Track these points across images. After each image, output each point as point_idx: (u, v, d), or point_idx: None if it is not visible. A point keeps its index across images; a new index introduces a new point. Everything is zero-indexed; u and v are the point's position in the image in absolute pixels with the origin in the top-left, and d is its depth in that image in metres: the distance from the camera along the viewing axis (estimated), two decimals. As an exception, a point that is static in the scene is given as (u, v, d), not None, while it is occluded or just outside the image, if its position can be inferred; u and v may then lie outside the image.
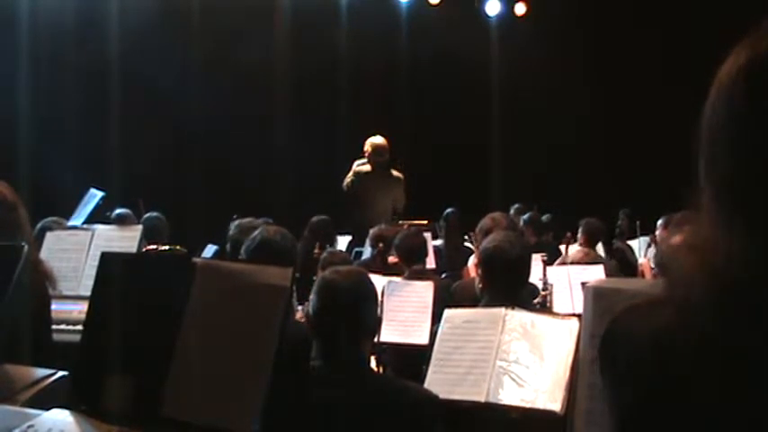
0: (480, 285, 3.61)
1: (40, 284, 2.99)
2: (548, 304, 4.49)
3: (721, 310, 0.87)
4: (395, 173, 7.81)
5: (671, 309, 0.92)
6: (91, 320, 2.02)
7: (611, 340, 0.99)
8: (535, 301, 4.29)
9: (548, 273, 4.64)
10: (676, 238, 0.97)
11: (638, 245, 7.93)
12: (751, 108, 0.89)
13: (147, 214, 6.39)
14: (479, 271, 3.64)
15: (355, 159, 7.89)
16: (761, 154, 0.87)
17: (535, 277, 4.25)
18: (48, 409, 1.84)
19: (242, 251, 3.54)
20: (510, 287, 3.49)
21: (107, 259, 2.06)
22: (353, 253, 6.65)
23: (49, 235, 4.51)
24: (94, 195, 5.73)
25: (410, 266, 5.16)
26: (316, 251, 5.02)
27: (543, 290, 4.54)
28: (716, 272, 0.88)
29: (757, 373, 0.84)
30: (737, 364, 0.85)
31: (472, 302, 3.65)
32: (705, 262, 0.90)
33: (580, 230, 7.02)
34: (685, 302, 0.90)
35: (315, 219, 6.70)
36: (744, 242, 0.87)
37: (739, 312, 0.86)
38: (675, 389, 0.89)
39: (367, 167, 7.76)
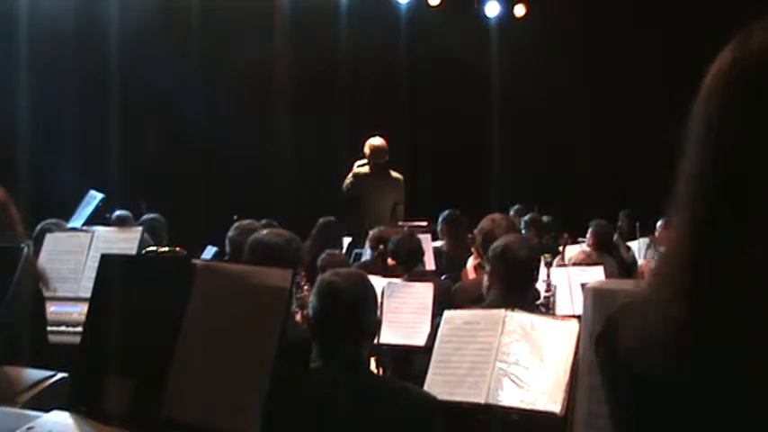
0: (488, 284, 3.61)
1: (34, 285, 2.99)
2: (551, 306, 4.49)
3: (706, 309, 0.88)
4: (394, 174, 7.79)
5: (660, 306, 0.92)
6: (91, 322, 2.02)
7: (609, 338, 0.99)
8: (538, 302, 4.28)
9: (550, 274, 4.64)
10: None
11: (637, 246, 7.92)
12: (730, 108, 0.91)
13: (145, 216, 6.38)
14: (488, 269, 3.64)
15: (356, 160, 7.87)
16: (736, 152, 0.90)
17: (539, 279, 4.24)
18: (48, 411, 1.84)
19: (245, 252, 3.56)
20: (518, 287, 3.51)
21: (107, 261, 2.06)
22: (353, 254, 6.64)
23: (48, 236, 4.51)
24: (94, 197, 5.73)
25: (407, 269, 5.14)
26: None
27: (546, 291, 4.53)
28: (694, 270, 0.90)
29: (750, 372, 0.85)
30: (728, 364, 0.86)
31: (473, 304, 3.65)
32: (683, 260, 0.92)
33: (589, 232, 6.94)
34: (670, 302, 0.91)
35: (322, 220, 6.66)
36: (720, 237, 0.89)
37: (726, 310, 0.86)
38: (671, 388, 0.89)
39: (365, 169, 7.75)
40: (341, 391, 2.54)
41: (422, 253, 5.46)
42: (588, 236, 6.95)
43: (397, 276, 5.00)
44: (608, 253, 6.83)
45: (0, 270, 2.16)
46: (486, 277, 3.66)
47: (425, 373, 3.19)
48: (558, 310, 4.44)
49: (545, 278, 4.55)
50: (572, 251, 6.20)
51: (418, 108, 10.97)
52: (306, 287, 3.89)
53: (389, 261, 5.52)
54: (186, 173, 9.18)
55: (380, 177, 7.69)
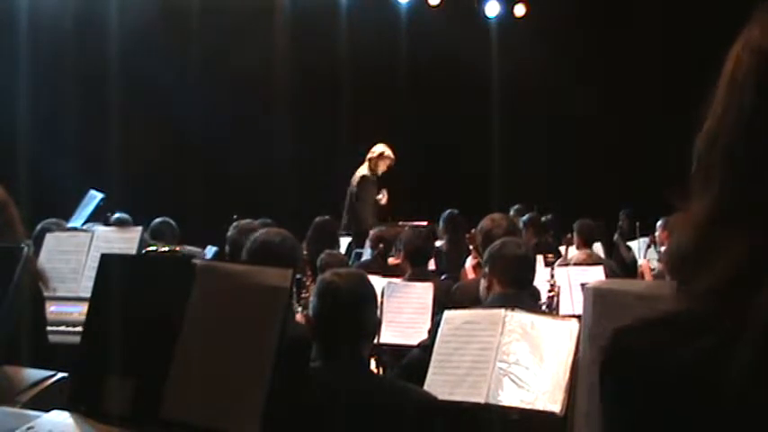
0: (486, 285, 3.60)
1: (33, 284, 2.98)
2: (554, 306, 4.48)
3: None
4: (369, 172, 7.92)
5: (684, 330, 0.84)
6: (91, 322, 2.01)
7: (623, 362, 0.90)
8: (541, 303, 4.27)
9: (554, 274, 4.63)
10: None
11: (637, 245, 7.93)
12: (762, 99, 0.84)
13: (157, 219, 6.31)
14: (485, 270, 3.63)
15: (356, 160, 7.89)
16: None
17: (541, 279, 4.24)
18: (47, 411, 1.84)
19: (243, 252, 3.54)
20: (517, 282, 3.52)
21: (107, 261, 2.06)
22: (354, 254, 6.64)
23: (48, 236, 4.51)
24: (94, 197, 5.72)
25: (413, 266, 5.13)
26: None
27: (550, 291, 4.52)
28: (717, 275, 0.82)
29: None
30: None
31: (474, 304, 3.64)
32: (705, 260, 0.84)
33: (575, 232, 6.89)
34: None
35: (318, 219, 6.66)
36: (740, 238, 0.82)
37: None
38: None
39: (368, 172, 7.79)
40: (341, 392, 2.54)
41: (431, 254, 5.46)
42: (574, 236, 6.83)
43: (397, 276, 5.00)
44: (602, 251, 6.83)
45: (0, 270, 2.16)
46: (483, 281, 3.66)
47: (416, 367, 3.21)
48: (561, 311, 4.45)
49: (548, 278, 4.54)
50: (573, 251, 6.20)
51: (418, 107, 10.97)
52: (311, 287, 3.88)
53: (392, 260, 5.51)
54: (186, 173, 9.18)
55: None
